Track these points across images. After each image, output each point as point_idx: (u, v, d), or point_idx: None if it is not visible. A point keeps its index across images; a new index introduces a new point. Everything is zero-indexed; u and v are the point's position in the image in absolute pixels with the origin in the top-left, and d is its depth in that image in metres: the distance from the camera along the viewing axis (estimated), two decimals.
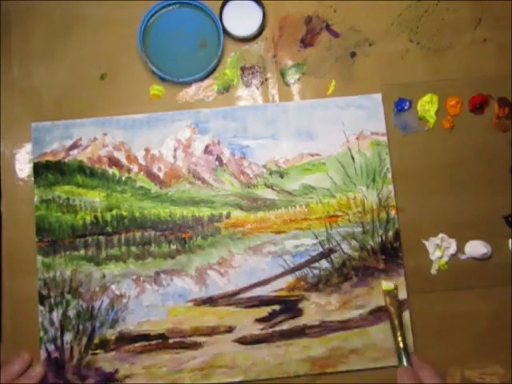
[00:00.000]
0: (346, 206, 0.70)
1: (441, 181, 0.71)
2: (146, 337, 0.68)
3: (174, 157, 0.71)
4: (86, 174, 0.71)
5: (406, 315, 0.68)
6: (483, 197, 0.71)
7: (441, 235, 0.70)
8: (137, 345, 0.68)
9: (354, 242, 0.70)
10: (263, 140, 0.71)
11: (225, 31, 0.72)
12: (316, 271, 0.69)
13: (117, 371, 0.67)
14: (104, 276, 0.69)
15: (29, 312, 0.68)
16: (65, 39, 0.73)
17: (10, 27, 0.73)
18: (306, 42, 0.74)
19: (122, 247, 0.69)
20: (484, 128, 0.72)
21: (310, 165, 0.71)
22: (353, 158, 0.71)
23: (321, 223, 0.70)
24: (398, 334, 0.63)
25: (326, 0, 0.74)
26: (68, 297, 0.68)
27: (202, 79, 0.73)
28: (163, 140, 0.71)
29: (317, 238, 0.70)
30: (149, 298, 0.68)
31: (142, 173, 0.71)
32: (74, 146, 0.71)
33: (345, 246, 0.69)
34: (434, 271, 0.70)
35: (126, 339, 0.68)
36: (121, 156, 0.71)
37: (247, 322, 0.68)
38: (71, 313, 0.68)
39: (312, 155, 0.71)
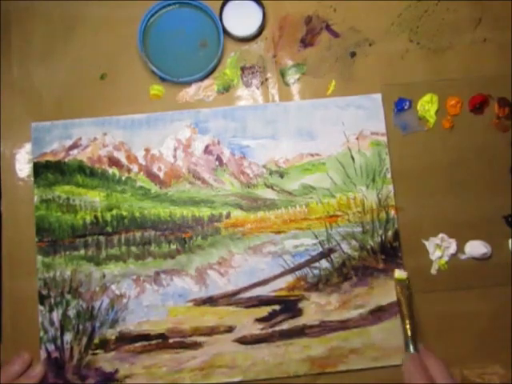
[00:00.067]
0: (345, 206, 0.70)
1: (441, 181, 0.71)
2: (145, 337, 0.68)
3: (174, 157, 0.71)
4: (86, 173, 0.71)
5: None
6: (483, 197, 0.71)
7: (441, 235, 0.70)
8: (137, 345, 0.68)
9: (353, 242, 0.70)
10: (263, 140, 0.71)
11: (225, 31, 0.72)
12: (316, 271, 0.69)
13: (117, 371, 0.67)
14: (104, 276, 0.69)
15: (29, 312, 0.68)
16: (65, 39, 0.73)
17: (10, 27, 0.73)
18: (306, 42, 0.74)
19: (122, 247, 0.69)
20: (484, 128, 0.72)
21: (310, 165, 0.71)
22: (353, 158, 0.71)
23: (321, 223, 0.70)
24: (407, 322, 0.64)
25: (325, 0, 0.74)
26: (68, 297, 0.68)
27: (202, 79, 0.73)
28: (163, 140, 0.71)
29: (317, 237, 0.70)
30: (149, 297, 0.68)
31: (141, 173, 0.71)
32: (74, 145, 0.71)
33: (345, 246, 0.69)
34: (433, 271, 0.70)
35: (125, 339, 0.68)
36: (121, 156, 0.71)
37: (247, 321, 0.68)
38: (71, 313, 0.68)
39: (312, 155, 0.71)
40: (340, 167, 0.71)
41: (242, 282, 0.69)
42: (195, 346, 0.68)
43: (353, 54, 0.74)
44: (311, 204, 0.70)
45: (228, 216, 0.70)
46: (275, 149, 0.71)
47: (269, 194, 0.71)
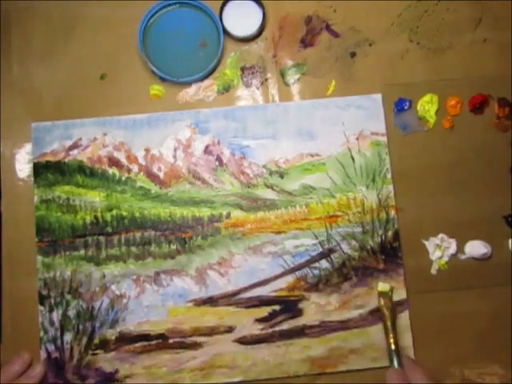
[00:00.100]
0: (345, 206, 0.70)
1: (441, 181, 0.71)
2: (145, 337, 0.68)
3: (174, 157, 0.71)
4: (86, 174, 0.71)
5: (406, 315, 0.68)
6: (483, 197, 0.71)
7: (441, 235, 0.70)
8: (137, 345, 0.68)
9: (353, 242, 0.70)
10: (263, 140, 0.71)
11: (225, 31, 0.72)
12: (316, 271, 0.69)
13: (117, 371, 0.67)
14: (104, 276, 0.69)
15: (29, 312, 0.68)
16: (65, 39, 0.73)
17: (10, 27, 0.73)
18: (306, 42, 0.74)
19: (122, 247, 0.69)
20: (484, 128, 0.72)
21: (310, 165, 0.71)
22: (353, 158, 0.71)
23: (321, 223, 0.70)
24: (391, 335, 0.63)
25: (326, 0, 0.74)
26: (68, 297, 0.68)
27: (202, 79, 0.73)
28: (163, 140, 0.71)
29: (317, 238, 0.70)
30: (149, 298, 0.68)
31: (141, 173, 0.71)
32: (74, 146, 0.71)
33: (345, 246, 0.69)
34: (434, 271, 0.70)
35: (126, 339, 0.68)
36: (121, 156, 0.71)
37: (247, 322, 0.68)
38: (71, 313, 0.68)
39: (312, 155, 0.71)
40: (340, 167, 0.71)
41: (242, 282, 0.69)
42: (195, 346, 0.68)
43: (353, 54, 0.74)
44: (311, 204, 0.70)
45: (228, 216, 0.70)
46: (275, 149, 0.71)
47: (269, 194, 0.71)
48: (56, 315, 0.68)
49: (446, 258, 0.70)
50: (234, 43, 0.73)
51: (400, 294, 0.68)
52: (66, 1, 0.74)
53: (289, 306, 0.68)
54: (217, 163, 0.71)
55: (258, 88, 0.73)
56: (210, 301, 0.69)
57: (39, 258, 0.69)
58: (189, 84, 0.73)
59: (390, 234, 0.70)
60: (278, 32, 0.74)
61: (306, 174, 0.71)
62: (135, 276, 0.69)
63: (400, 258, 0.69)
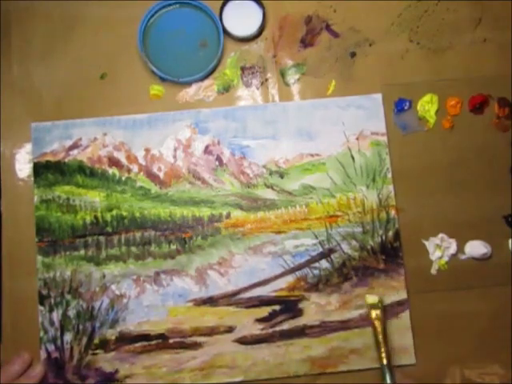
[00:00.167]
0: (346, 206, 0.70)
1: (441, 181, 0.71)
2: (145, 337, 0.68)
3: (174, 157, 0.71)
4: (86, 174, 0.71)
5: (406, 315, 0.68)
6: (483, 197, 0.71)
7: (441, 235, 0.70)
8: (137, 345, 0.68)
9: (354, 242, 0.70)
10: (263, 140, 0.71)
11: (225, 31, 0.72)
12: (316, 271, 0.69)
13: (117, 371, 0.67)
14: (104, 276, 0.69)
15: (29, 312, 0.68)
16: (65, 39, 0.73)
17: (10, 27, 0.73)
18: (306, 42, 0.74)
19: (122, 247, 0.69)
20: (484, 128, 0.72)
21: (310, 165, 0.71)
22: (353, 158, 0.71)
23: (321, 223, 0.70)
24: (383, 349, 0.62)
25: (326, 0, 0.74)
26: (68, 297, 0.68)
27: (202, 79, 0.73)
28: (163, 140, 0.71)
29: (317, 237, 0.70)
30: (149, 298, 0.68)
31: (141, 173, 0.71)
32: (74, 146, 0.71)
33: (345, 246, 0.69)
34: (434, 271, 0.70)
35: (126, 339, 0.68)
36: (121, 156, 0.71)
37: (247, 321, 0.68)
38: (71, 313, 0.68)
39: (312, 155, 0.71)
40: (340, 167, 0.71)
41: (242, 282, 0.69)
42: (195, 346, 0.68)
43: (353, 54, 0.74)
44: (311, 204, 0.70)
45: (228, 216, 0.70)
46: (275, 149, 0.71)
47: (269, 194, 0.71)
48: (56, 315, 0.68)
49: (446, 258, 0.70)
50: (234, 43, 0.73)
51: (400, 294, 0.68)
52: (66, 1, 0.74)
53: (289, 306, 0.68)
54: (217, 163, 0.71)
55: (257, 88, 0.73)
56: (210, 301, 0.69)
57: (39, 258, 0.69)
58: (189, 84, 0.73)
59: (390, 233, 0.69)
60: (278, 32, 0.74)
61: (306, 174, 0.71)
62: (135, 276, 0.69)
63: (400, 258, 0.69)
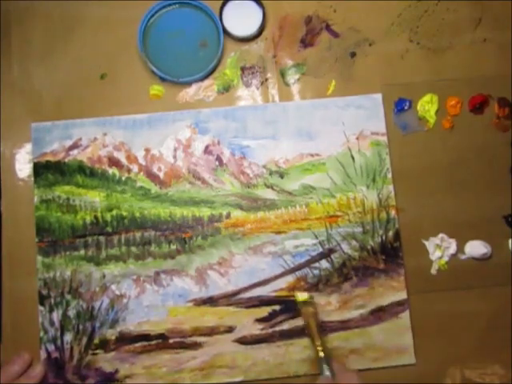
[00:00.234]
0: (346, 206, 0.70)
1: (441, 181, 0.71)
2: (146, 337, 0.68)
3: (174, 157, 0.71)
4: (86, 174, 0.71)
5: (407, 315, 0.68)
6: (483, 197, 0.71)
7: (441, 235, 0.70)
8: (137, 345, 0.68)
9: (354, 242, 0.70)
10: (263, 140, 0.71)
11: (225, 31, 0.72)
12: (316, 271, 0.69)
13: (117, 371, 0.67)
14: (104, 276, 0.69)
15: (29, 312, 0.68)
16: (65, 39, 0.73)
17: (9, 27, 0.73)
18: (306, 42, 0.74)
19: (122, 247, 0.69)
20: (484, 128, 0.72)
21: (310, 165, 0.71)
22: (353, 158, 0.71)
23: (321, 223, 0.70)
24: (318, 343, 0.62)
25: (325, 0, 0.74)
26: (68, 297, 0.68)
27: (202, 79, 0.73)
28: (163, 140, 0.71)
29: (317, 238, 0.70)
30: (149, 298, 0.68)
31: (141, 173, 0.71)
32: (74, 146, 0.71)
33: (345, 246, 0.69)
34: (434, 271, 0.70)
35: (126, 339, 0.68)
36: (121, 156, 0.71)
37: (247, 322, 0.68)
38: (71, 313, 0.68)
39: (312, 155, 0.71)
40: (340, 167, 0.71)
41: (242, 282, 0.69)
42: (195, 346, 0.68)
43: (353, 54, 0.74)
44: (311, 204, 0.70)
45: (228, 216, 0.70)
46: (275, 149, 0.71)
47: (269, 194, 0.71)
48: (56, 315, 0.68)
49: (446, 258, 0.70)
50: (234, 43, 0.73)
51: (400, 294, 0.68)
52: (66, 1, 0.74)
53: (289, 305, 0.68)
54: (217, 163, 0.71)
55: (257, 88, 0.73)
56: (210, 301, 0.69)
57: (39, 258, 0.69)
58: (189, 84, 0.73)
59: (390, 233, 0.69)
60: (278, 32, 0.74)
61: (306, 174, 0.71)
62: (135, 276, 0.69)
63: (400, 258, 0.69)
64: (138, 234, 0.70)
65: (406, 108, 0.72)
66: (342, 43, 0.74)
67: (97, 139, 0.71)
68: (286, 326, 0.68)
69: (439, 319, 0.69)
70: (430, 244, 0.70)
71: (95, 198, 0.70)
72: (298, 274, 0.69)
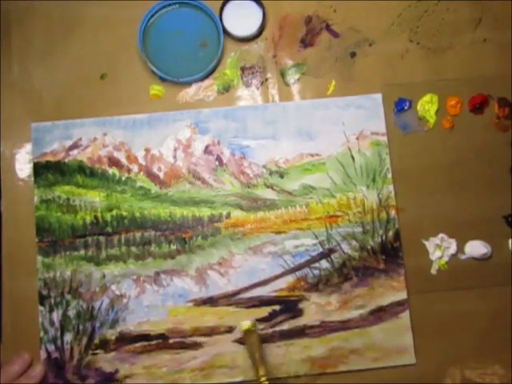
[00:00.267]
0: (346, 206, 0.70)
1: (441, 181, 0.71)
2: (146, 337, 0.68)
3: (174, 157, 0.71)
4: (86, 174, 0.70)
5: (406, 315, 0.68)
6: (483, 197, 0.71)
7: (441, 235, 0.70)
8: (137, 345, 0.67)
9: (354, 242, 0.70)
10: (263, 140, 0.71)
11: (225, 31, 0.72)
12: (316, 271, 0.69)
13: (117, 371, 0.67)
14: (104, 276, 0.69)
15: (29, 312, 0.68)
16: (65, 39, 0.73)
17: (9, 27, 0.73)
18: (306, 42, 0.74)
19: (122, 247, 0.69)
20: (484, 128, 0.72)
21: (310, 165, 0.71)
22: (353, 158, 0.71)
23: (321, 223, 0.70)
24: (261, 373, 0.61)
25: (325, 0, 0.74)
26: (68, 297, 0.68)
27: (202, 79, 0.73)
28: (163, 140, 0.71)
29: (317, 238, 0.70)
30: (149, 298, 0.68)
31: (141, 173, 0.71)
32: (74, 146, 0.71)
33: (345, 246, 0.69)
34: (434, 271, 0.70)
35: (126, 339, 0.68)
36: (121, 156, 0.71)
37: (247, 322, 0.68)
38: (71, 313, 0.68)
39: (312, 155, 0.71)
40: (340, 167, 0.71)
41: (242, 282, 0.69)
42: (195, 346, 0.68)
43: (353, 54, 0.74)
44: (311, 204, 0.70)
45: (228, 216, 0.70)
46: (275, 149, 0.71)
47: (269, 194, 0.71)
48: (56, 315, 0.68)
49: (446, 258, 0.70)
50: (234, 43, 0.73)
51: (400, 294, 0.68)
52: (66, 1, 0.74)
53: (289, 306, 0.68)
54: (217, 163, 0.71)
55: (257, 88, 0.73)
56: (210, 301, 0.69)
57: (39, 258, 0.69)
58: (189, 84, 0.73)
59: (390, 233, 0.69)
60: (278, 32, 0.74)
61: (306, 174, 0.71)
62: (135, 276, 0.69)
63: (400, 258, 0.69)
64: (138, 234, 0.70)
65: (405, 108, 0.72)
66: (341, 43, 0.74)
67: (97, 139, 0.71)
68: (286, 326, 0.68)
69: (439, 319, 0.69)
70: (430, 244, 0.70)
71: (95, 198, 0.70)
72: (298, 274, 0.69)
